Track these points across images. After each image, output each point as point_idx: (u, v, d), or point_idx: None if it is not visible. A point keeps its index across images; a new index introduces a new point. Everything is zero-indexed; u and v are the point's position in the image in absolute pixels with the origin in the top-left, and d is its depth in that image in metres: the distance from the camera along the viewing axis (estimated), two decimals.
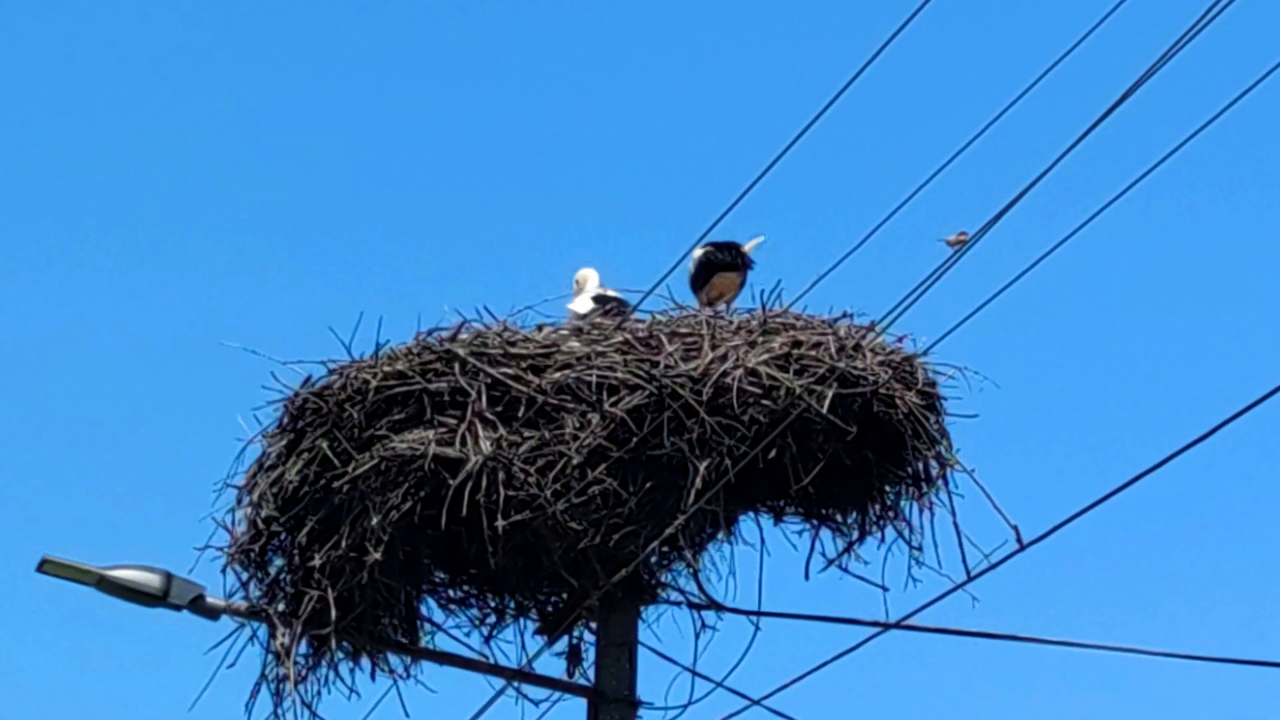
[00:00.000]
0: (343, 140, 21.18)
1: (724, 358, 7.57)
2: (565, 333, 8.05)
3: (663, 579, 8.39)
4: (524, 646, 8.41)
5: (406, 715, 7.98)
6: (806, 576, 8.25)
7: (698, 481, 7.32)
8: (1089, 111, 5.55)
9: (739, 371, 7.52)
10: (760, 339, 7.76)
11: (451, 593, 8.49)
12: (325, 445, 7.80)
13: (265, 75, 21.41)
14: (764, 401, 7.50)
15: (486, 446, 7.40)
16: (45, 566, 7.79)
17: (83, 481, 18.71)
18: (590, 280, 8.62)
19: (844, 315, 7.93)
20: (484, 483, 7.38)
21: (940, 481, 7.99)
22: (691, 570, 8.15)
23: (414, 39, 21.05)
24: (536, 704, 8.17)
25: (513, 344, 7.83)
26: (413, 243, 20.36)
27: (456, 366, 7.66)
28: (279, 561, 8.13)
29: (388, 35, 21.00)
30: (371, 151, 20.75)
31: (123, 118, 20.42)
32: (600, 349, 7.77)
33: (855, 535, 8.23)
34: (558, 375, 7.63)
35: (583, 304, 8.45)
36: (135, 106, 20.42)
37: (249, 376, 8.25)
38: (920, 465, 8.01)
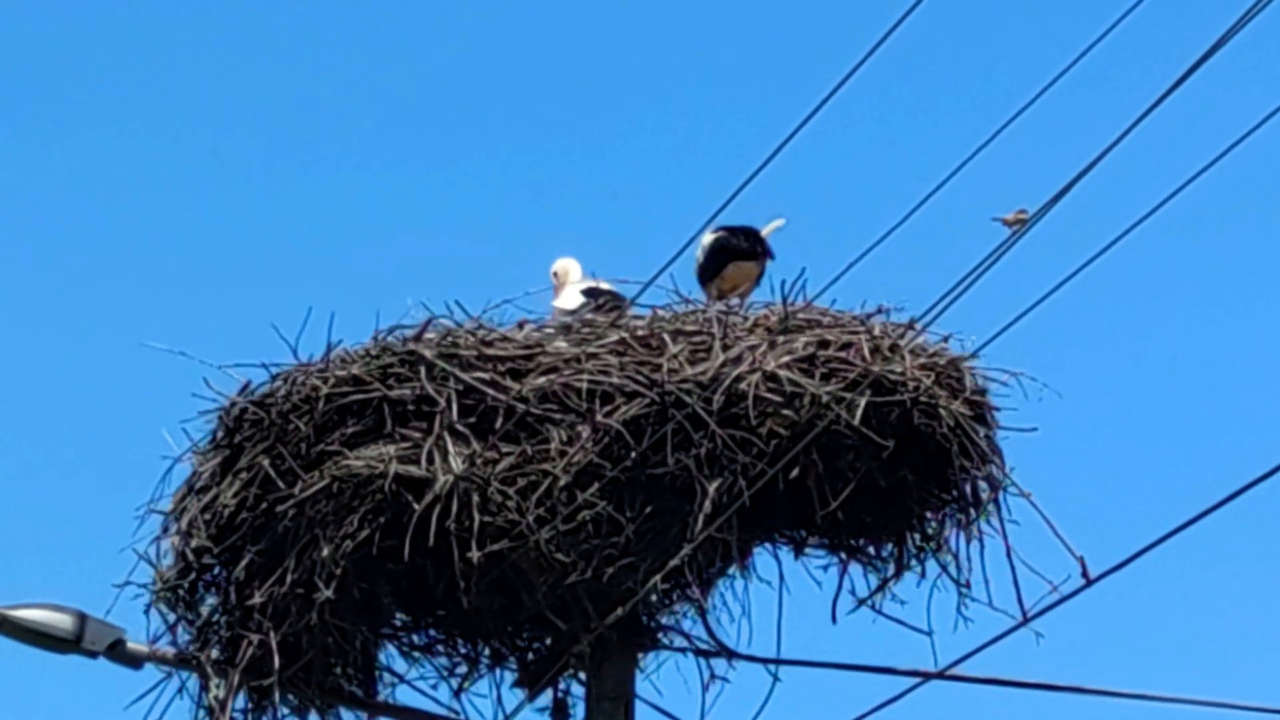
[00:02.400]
0: (291, 109, 20.63)
1: (738, 360, 7.16)
2: (551, 331, 7.75)
3: (665, 621, 7.94)
4: (500, 701, 7.99)
5: None
6: (834, 619, 7.80)
7: (706, 505, 6.87)
8: (1166, 72, 5.01)
9: (755, 376, 7.10)
10: (781, 338, 7.36)
11: (416, 638, 8.06)
12: (267, 463, 7.37)
13: (225, 55, 20.97)
14: (785, 412, 7.06)
15: (457, 464, 6.98)
16: None
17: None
18: (572, 271, 8.37)
19: (878, 310, 7.54)
20: (454, 507, 6.91)
21: (992, 506, 7.58)
22: (699, 611, 7.73)
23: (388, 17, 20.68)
24: None
25: (488, 344, 7.42)
26: (371, 227, 19.37)
27: (422, 371, 7.24)
28: (212, 600, 7.69)
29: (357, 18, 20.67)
30: (326, 123, 20.09)
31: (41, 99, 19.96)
32: (592, 350, 7.36)
33: (891, 570, 7.82)
34: (542, 381, 7.19)
35: (571, 298, 8.20)
36: (70, 88, 19.93)
37: (177, 383, 7.80)
38: (968, 487, 7.60)
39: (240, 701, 7.41)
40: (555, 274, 8.39)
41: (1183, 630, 15.99)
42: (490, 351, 7.37)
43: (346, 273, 17.40)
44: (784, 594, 7.77)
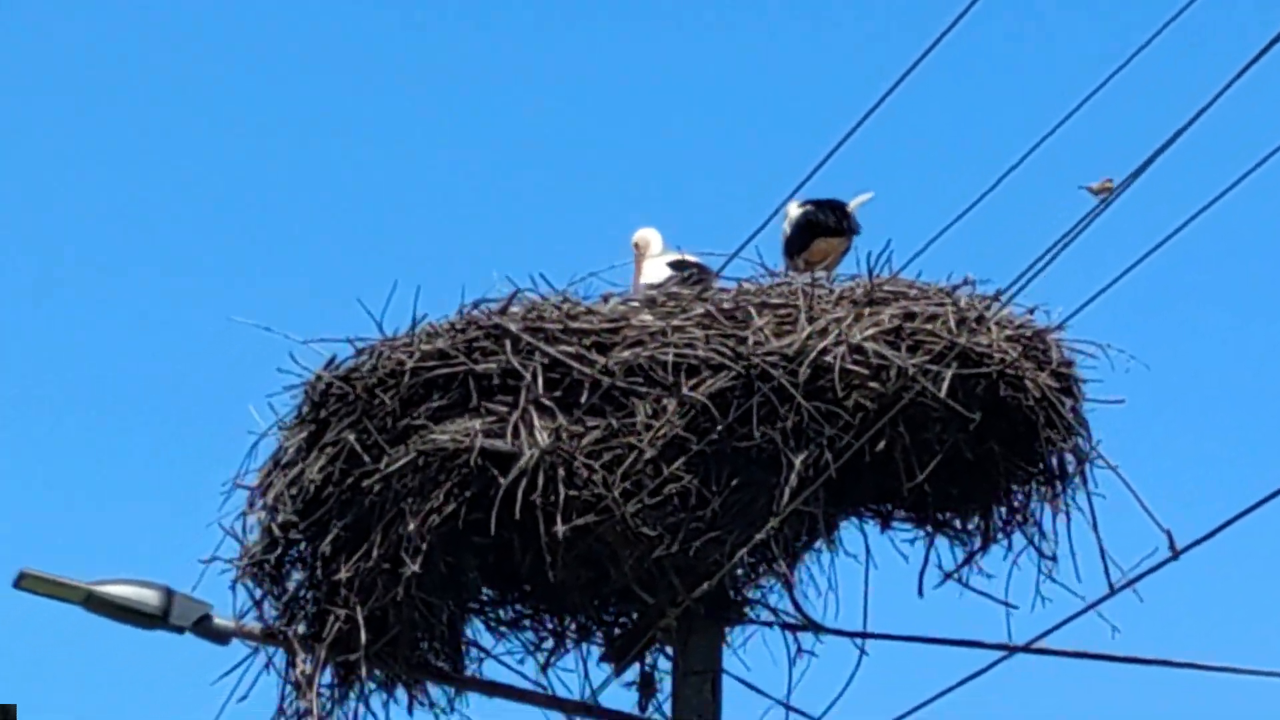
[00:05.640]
0: (372, 92, 20.98)
1: (824, 333, 7.15)
2: (636, 304, 7.73)
3: (751, 595, 7.96)
4: (587, 675, 7.98)
5: None
6: (920, 592, 7.83)
7: (793, 479, 6.87)
8: (1256, 36, 4.85)
9: (842, 349, 7.08)
10: (867, 311, 7.35)
11: (502, 613, 8.12)
12: (353, 438, 7.36)
13: (287, 37, 21.31)
14: (871, 384, 7.05)
15: (543, 438, 6.99)
16: (24, 582, 7.48)
17: (67, 484, 17.86)
18: (653, 243, 8.31)
19: (964, 282, 7.51)
20: (540, 481, 6.94)
21: (1078, 479, 7.55)
22: (785, 585, 7.71)
23: None
24: None
25: (573, 318, 7.41)
26: (455, 202, 19.69)
27: (508, 344, 7.24)
28: (298, 575, 7.74)
29: None
30: (407, 102, 20.37)
31: (124, 87, 20.33)
32: (678, 323, 7.34)
33: (978, 543, 7.80)
34: (627, 354, 7.18)
35: (656, 271, 8.16)
36: (141, 78, 20.35)
37: (263, 358, 7.78)
38: (1055, 460, 7.57)
39: (327, 676, 7.45)
40: (636, 245, 8.34)
41: (1271, 603, 16.08)
42: (575, 325, 7.38)
43: (432, 247, 17.62)
44: (870, 568, 7.76)
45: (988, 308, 7.40)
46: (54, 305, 18.85)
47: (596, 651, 7.95)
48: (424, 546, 7.02)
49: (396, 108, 20.24)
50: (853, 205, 8.13)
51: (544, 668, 8.00)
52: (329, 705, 7.54)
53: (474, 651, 7.97)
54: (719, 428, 6.96)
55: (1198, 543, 5.92)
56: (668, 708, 7.79)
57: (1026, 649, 7.22)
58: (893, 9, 19.17)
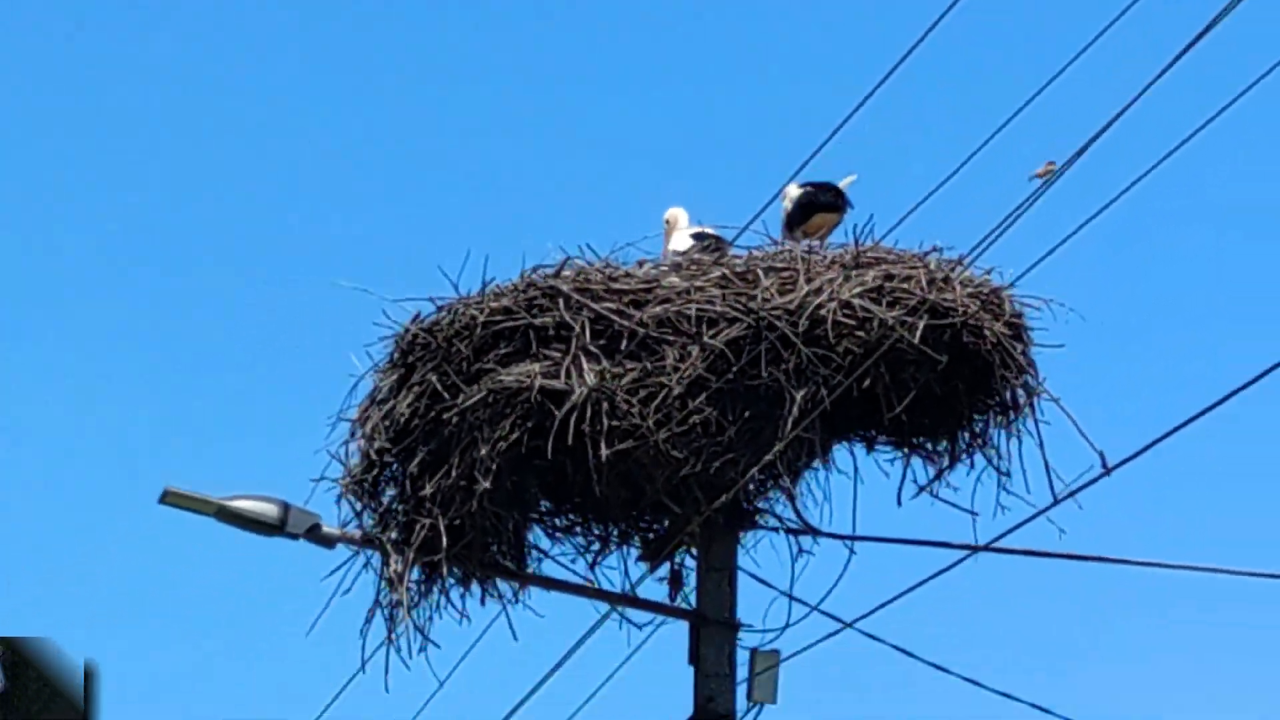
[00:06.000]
0: (451, 84, 22.14)
1: (819, 291, 7.82)
2: (665, 269, 8.30)
3: (761, 506, 8.59)
4: (627, 572, 8.59)
5: (515, 638, 8.22)
6: (899, 503, 8.45)
7: (794, 410, 7.56)
8: (1179, 36, 5.70)
9: (834, 304, 7.76)
10: (854, 273, 7.99)
11: (557, 521, 8.71)
12: (435, 379, 8.01)
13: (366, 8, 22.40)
14: (858, 333, 7.75)
15: (590, 379, 7.64)
16: (167, 498, 8.02)
17: (204, 416, 19.81)
18: (680, 219, 8.85)
19: (934, 249, 8.14)
20: (588, 413, 7.61)
21: (1027, 409, 8.19)
22: (789, 497, 8.35)
23: None
24: (640, 627, 8.39)
25: (614, 280, 8.07)
26: (516, 182, 21.35)
27: (560, 302, 7.90)
28: (391, 491, 8.32)
29: None
30: (476, 98, 21.72)
31: (222, 61, 21.50)
32: (699, 284, 8.00)
33: (945, 463, 8.45)
34: (658, 309, 7.86)
35: (681, 241, 8.66)
36: (236, 50, 21.50)
37: (362, 314, 8.47)
38: (1008, 394, 8.20)
39: (415, 574, 8.09)
40: (666, 221, 8.84)
41: (1191, 510, 17.18)
42: (616, 285, 8.02)
43: (499, 222, 18.78)
44: (858, 483, 8.41)
45: (953, 270, 8.01)
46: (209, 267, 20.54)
47: (635, 552, 8.57)
48: (493, 467, 7.70)
49: (472, 102, 21.83)
50: (843, 185, 8.67)
51: (591, 566, 8.56)
52: (416, 598, 8.13)
53: (534, 553, 8.53)
54: (733, 369, 7.62)
55: (1125, 461, 6.79)
56: (693, 598, 8.40)
57: (987, 548, 7.88)
58: (874, 25, 20.64)
